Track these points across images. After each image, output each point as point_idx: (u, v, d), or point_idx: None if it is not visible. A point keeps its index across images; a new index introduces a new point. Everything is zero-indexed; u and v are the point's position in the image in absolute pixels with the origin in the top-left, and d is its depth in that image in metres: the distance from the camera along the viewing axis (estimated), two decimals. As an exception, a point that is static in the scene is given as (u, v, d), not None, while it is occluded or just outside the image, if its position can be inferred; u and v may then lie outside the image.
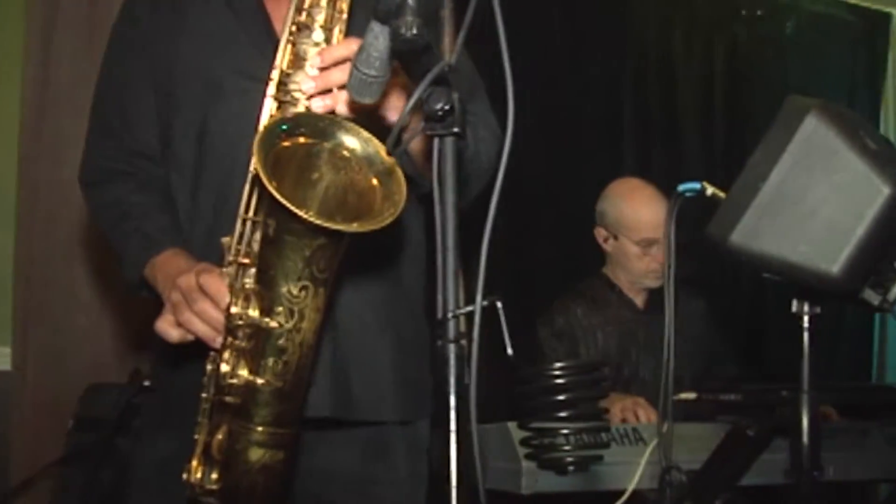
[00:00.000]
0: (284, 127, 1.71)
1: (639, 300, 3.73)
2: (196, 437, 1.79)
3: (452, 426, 1.50)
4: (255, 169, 1.70)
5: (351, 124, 1.74)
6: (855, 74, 5.50)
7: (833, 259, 1.81)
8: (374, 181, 1.72)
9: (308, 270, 1.67)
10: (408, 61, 1.69)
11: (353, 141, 1.73)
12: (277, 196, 1.57)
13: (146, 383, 3.04)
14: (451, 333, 1.52)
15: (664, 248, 2.25)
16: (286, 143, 1.70)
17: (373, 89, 1.67)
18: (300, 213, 1.58)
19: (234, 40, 1.97)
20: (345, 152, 1.73)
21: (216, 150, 1.96)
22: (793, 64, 5.24)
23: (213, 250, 1.84)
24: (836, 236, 1.82)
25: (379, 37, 1.60)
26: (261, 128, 1.75)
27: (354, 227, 1.64)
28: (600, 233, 3.76)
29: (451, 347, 1.52)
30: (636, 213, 3.64)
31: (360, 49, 1.64)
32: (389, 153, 1.68)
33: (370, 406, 2.00)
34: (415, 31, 1.50)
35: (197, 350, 1.80)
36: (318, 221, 1.60)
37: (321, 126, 1.73)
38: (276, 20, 1.97)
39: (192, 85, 1.98)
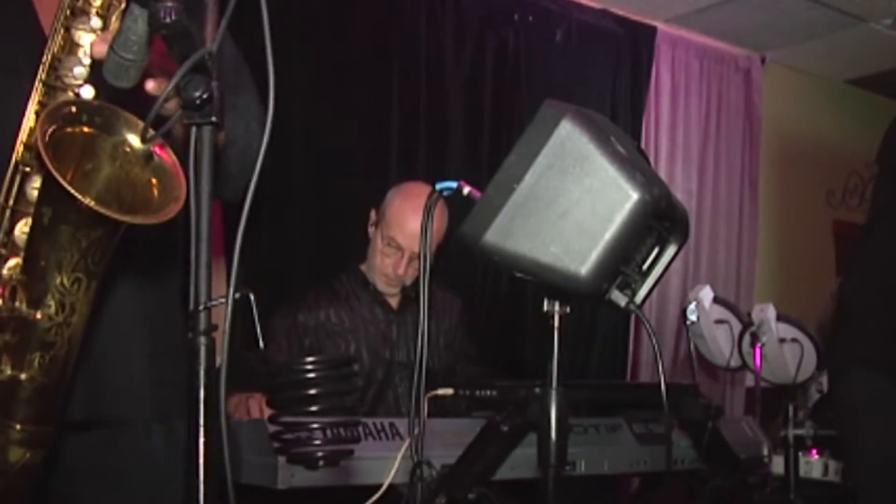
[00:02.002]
0: (73, 109, 1.64)
1: (393, 301, 3.73)
2: None
3: (200, 420, 1.48)
4: (32, 148, 1.64)
5: (132, 117, 1.68)
6: (620, 84, 5.65)
7: (582, 260, 1.86)
8: (153, 179, 1.67)
9: (83, 262, 1.61)
10: (168, 46, 1.65)
11: (133, 135, 1.67)
12: (62, 182, 1.51)
13: None
14: (202, 325, 1.50)
15: (420, 246, 2.27)
16: (68, 130, 1.63)
17: (130, 73, 1.62)
18: (85, 200, 1.52)
19: None
20: (126, 147, 1.67)
21: None
22: (560, 70, 5.34)
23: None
24: (586, 238, 1.86)
25: (138, 20, 1.56)
26: (40, 109, 1.69)
27: (139, 219, 1.59)
28: (372, 215, 3.76)
29: (202, 340, 1.50)
30: (399, 212, 3.63)
31: (119, 32, 1.59)
32: (144, 140, 1.64)
33: (126, 404, 1.94)
34: (174, 17, 1.47)
35: None
36: (102, 210, 1.54)
37: (102, 117, 1.67)
38: (44, 13, 1.87)
39: None
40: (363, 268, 3.77)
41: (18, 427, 1.65)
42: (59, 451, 1.84)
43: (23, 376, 1.63)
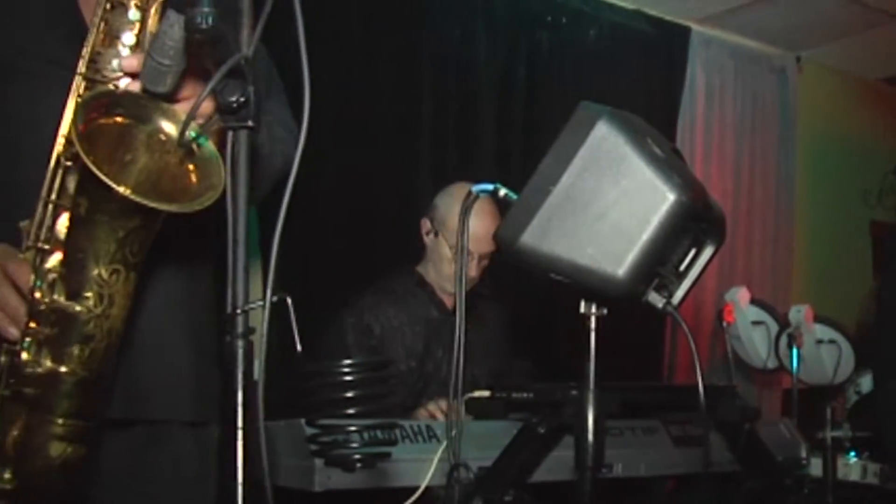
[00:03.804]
0: (107, 100, 1.66)
1: (449, 301, 3.72)
2: None
3: (239, 422, 1.48)
4: (72, 142, 1.63)
5: (170, 107, 1.69)
6: (653, 85, 5.64)
7: (619, 262, 1.86)
8: (191, 166, 1.68)
9: (121, 253, 1.62)
10: (204, 52, 1.66)
11: (172, 125, 1.68)
12: (95, 170, 1.52)
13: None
14: (240, 329, 1.50)
15: (459, 253, 2.29)
16: (102, 121, 1.64)
17: (166, 79, 1.64)
18: (118, 188, 1.53)
19: (33, 22, 1.88)
20: (162, 136, 1.68)
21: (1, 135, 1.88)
22: (594, 72, 5.32)
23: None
24: (623, 240, 1.86)
25: (174, 25, 1.58)
26: (78, 100, 1.70)
27: (174, 207, 1.60)
28: (425, 224, 3.72)
29: (239, 343, 1.50)
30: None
31: (155, 37, 1.61)
32: (181, 144, 1.65)
33: (162, 405, 1.94)
34: (210, 22, 1.48)
35: None
36: (136, 198, 1.55)
37: (140, 107, 1.68)
38: (84, 4, 1.89)
39: None
40: (419, 269, 3.76)
41: (60, 422, 1.65)
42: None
43: (63, 369, 1.63)
